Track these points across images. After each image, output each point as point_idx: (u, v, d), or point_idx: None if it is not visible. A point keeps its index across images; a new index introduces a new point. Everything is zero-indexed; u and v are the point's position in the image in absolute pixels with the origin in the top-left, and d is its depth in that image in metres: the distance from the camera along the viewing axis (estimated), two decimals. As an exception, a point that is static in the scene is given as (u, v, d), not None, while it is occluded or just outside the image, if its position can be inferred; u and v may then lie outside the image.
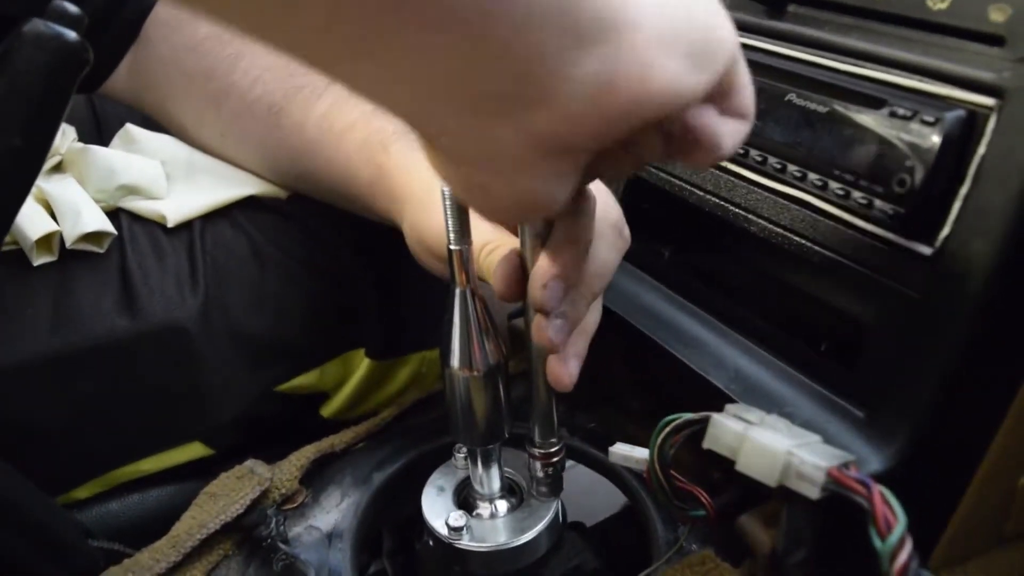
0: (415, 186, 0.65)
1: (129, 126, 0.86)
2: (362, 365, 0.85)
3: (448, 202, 0.51)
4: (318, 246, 0.81)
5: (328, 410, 0.85)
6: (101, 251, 0.73)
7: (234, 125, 0.81)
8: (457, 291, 0.54)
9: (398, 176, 0.67)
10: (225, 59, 0.80)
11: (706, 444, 0.50)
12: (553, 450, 0.58)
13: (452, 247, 0.53)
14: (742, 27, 0.64)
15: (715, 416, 0.50)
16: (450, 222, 0.52)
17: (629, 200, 0.74)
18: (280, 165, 0.81)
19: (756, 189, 0.61)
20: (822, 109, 0.56)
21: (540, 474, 0.59)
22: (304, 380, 0.81)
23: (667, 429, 0.53)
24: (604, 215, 0.53)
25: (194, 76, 0.82)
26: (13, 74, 0.52)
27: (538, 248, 0.49)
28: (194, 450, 0.78)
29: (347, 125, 0.72)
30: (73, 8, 0.53)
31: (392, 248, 0.81)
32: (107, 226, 0.73)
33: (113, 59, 0.82)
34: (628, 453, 0.58)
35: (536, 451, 0.58)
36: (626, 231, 0.58)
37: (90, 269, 0.73)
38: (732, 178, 0.63)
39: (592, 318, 0.58)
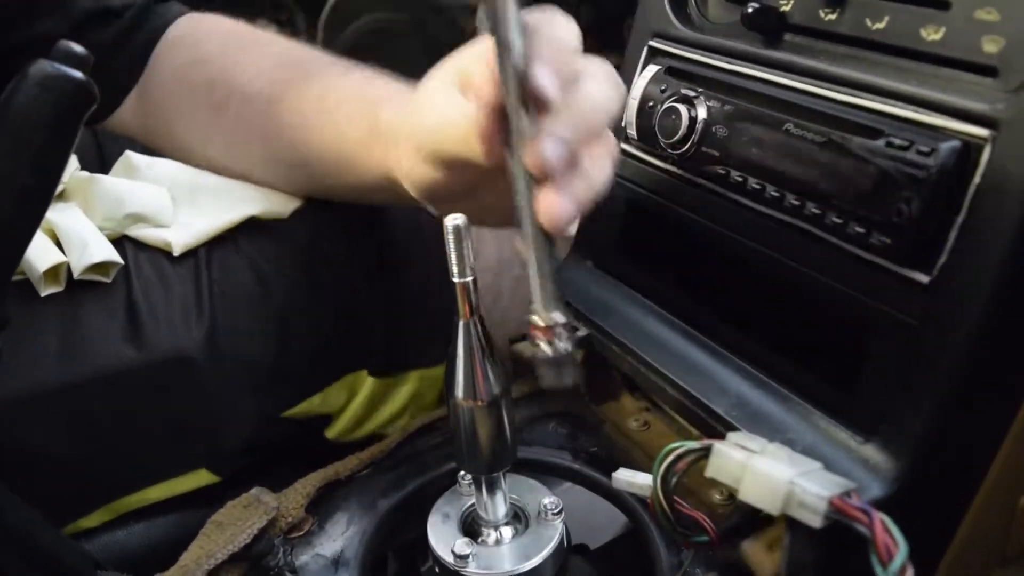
0: (408, 118, 0.62)
1: (129, 153, 0.87)
2: (365, 385, 0.85)
3: (450, 235, 0.52)
4: (321, 267, 0.81)
5: (332, 432, 0.86)
6: (108, 280, 0.74)
7: (238, 127, 0.82)
8: (461, 323, 0.55)
9: (391, 121, 0.65)
10: (227, 67, 0.81)
11: (709, 473, 0.51)
12: (560, 322, 0.49)
13: (455, 280, 0.53)
14: (739, 56, 0.65)
15: (717, 445, 0.51)
16: (452, 255, 0.53)
17: (630, 227, 0.75)
18: (282, 155, 0.80)
19: (754, 217, 0.62)
20: (819, 138, 0.56)
21: (547, 351, 0.49)
22: (309, 404, 0.82)
23: (670, 457, 0.53)
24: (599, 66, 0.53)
25: (198, 88, 0.83)
26: (20, 114, 0.52)
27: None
28: (200, 477, 0.78)
29: (341, 99, 0.72)
30: (79, 48, 0.54)
31: (393, 264, 0.82)
32: (114, 256, 0.73)
33: (123, 90, 0.83)
34: (631, 479, 0.59)
35: (538, 323, 0.49)
36: (621, 86, 0.55)
37: (97, 299, 0.74)
38: (730, 205, 0.64)
39: (597, 173, 0.51)
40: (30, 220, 0.54)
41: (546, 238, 0.48)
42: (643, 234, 0.74)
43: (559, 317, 0.49)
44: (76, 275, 0.72)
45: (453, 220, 0.52)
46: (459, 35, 2.00)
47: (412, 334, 0.85)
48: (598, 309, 0.71)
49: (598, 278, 0.77)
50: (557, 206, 0.47)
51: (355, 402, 0.85)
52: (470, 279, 0.54)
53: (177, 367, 0.73)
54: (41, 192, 0.54)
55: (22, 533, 0.61)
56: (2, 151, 0.51)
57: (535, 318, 0.49)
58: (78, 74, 0.53)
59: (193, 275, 0.77)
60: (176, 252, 0.77)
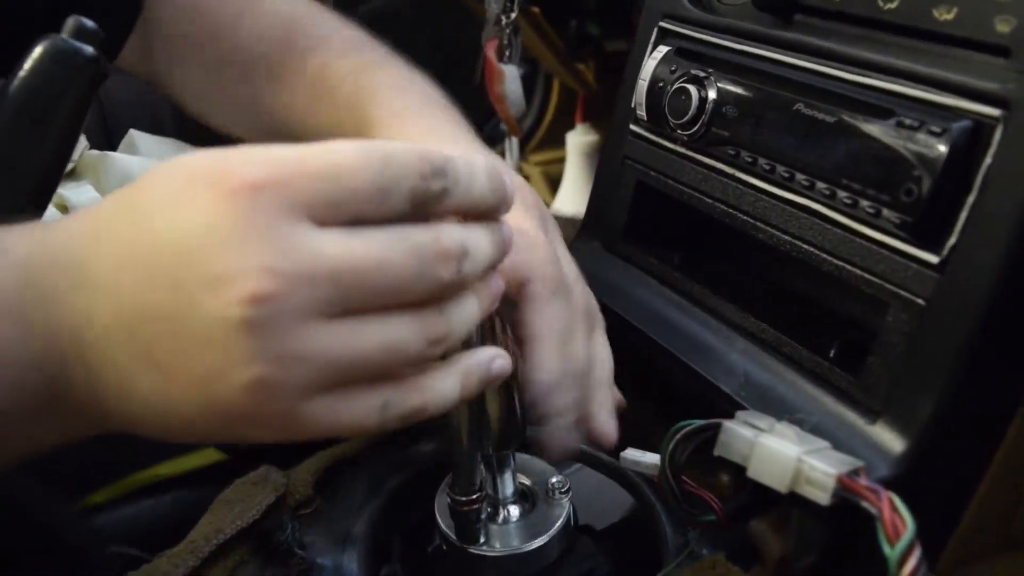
0: (406, 130, 0.65)
1: (133, 132, 0.86)
2: None
3: None
4: None
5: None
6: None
7: (237, 93, 0.80)
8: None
9: (387, 122, 0.67)
10: (229, 18, 0.80)
11: (717, 451, 0.51)
12: (473, 497, 0.59)
13: None
14: (750, 36, 0.65)
15: (726, 423, 0.51)
16: None
17: (639, 208, 0.75)
18: (278, 129, 0.80)
19: (764, 197, 0.62)
20: (830, 119, 0.56)
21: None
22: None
23: (678, 435, 0.53)
24: None
25: (197, 38, 0.81)
26: (32, 89, 0.52)
27: None
28: (209, 455, 0.78)
29: (337, 81, 0.72)
30: (89, 23, 0.54)
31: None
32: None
33: (120, 39, 0.82)
34: (639, 458, 0.59)
35: (456, 499, 0.59)
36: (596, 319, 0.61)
37: None
38: (740, 186, 0.64)
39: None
40: (41, 195, 0.55)
41: (478, 432, 0.56)
42: (652, 215, 0.74)
43: (473, 495, 0.58)
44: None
45: None
46: (466, 19, 1.99)
47: None
48: (606, 290, 0.71)
49: (606, 259, 0.77)
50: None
51: None
52: None
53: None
54: (52, 167, 0.55)
55: (31, 510, 0.62)
56: (14, 126, 0.52)
57: (452, 495, 0.59)
58: (89, 48, 0.53)
59: None
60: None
